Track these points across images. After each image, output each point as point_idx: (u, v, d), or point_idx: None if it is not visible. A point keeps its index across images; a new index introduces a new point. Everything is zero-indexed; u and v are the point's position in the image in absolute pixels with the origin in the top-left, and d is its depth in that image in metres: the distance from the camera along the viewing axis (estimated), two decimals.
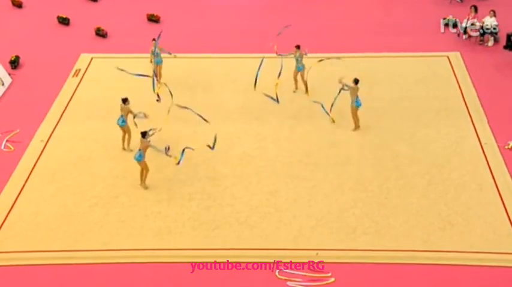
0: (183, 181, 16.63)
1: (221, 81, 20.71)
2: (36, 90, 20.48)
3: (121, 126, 17.50)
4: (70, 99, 19.98)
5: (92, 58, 22.11)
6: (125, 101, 17.28)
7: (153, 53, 19.60)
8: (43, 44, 23.04)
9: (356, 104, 17.77)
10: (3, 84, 20.51)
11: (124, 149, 17.68)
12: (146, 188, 16.38)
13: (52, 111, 19.40)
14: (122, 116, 17.38)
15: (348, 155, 17.37)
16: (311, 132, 18.28)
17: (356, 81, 17.59)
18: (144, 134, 15.98)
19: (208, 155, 17.43)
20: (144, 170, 16.30)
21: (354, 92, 17.66)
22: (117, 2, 25.90)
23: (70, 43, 23.06)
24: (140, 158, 16.06)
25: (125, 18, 24.54)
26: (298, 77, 19.75)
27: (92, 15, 24.81)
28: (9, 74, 21.05)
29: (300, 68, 19.49)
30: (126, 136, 17.66)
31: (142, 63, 20.82)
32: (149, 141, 16.04)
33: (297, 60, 19.39)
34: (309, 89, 19.64)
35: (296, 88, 19.86)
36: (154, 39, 19.60)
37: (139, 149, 16.07)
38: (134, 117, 17.28)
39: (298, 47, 19.24)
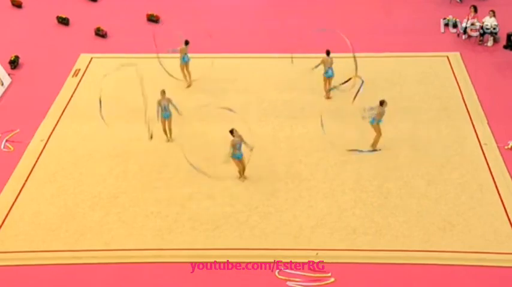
0: (183, 180, 16.64)
1: (221, 81, 20.70)
2: (36, 90, 20.48)
3: (166, 119, 17.77)
4: (70, 99, 19.98)
5: (91, 58, 22.11)
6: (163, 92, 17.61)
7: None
8: (43, 44, 23.03)
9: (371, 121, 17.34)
10: (2, 85, 20.50)
11: (168, 140, 18.02)
12: (245, 179, 16.59)
13: (52, 111, 19.41)
14: (165, 108, 17.58)
15: (348, 155, 17.36)
16: (311, 132, 18.28)
17: (381, 102, 17.05)
18: (231, 132, 16.11)
19: (209, 155, 17.45)
20: (244, 166, 16.48)
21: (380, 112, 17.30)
22: (116, 2, 25.90)
23: (70, 43, 23.05)
24: (241, 156, 16.17)
25: (124, 18, 24.54)
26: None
27: (91, 15, 24.81)
28: (9, 74, 21.04)
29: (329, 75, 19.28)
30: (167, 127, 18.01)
31: (143, 63, 20.81)
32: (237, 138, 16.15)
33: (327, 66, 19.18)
34: (310, 88, 19.60)
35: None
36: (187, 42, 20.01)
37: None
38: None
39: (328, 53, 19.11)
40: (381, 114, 17.03)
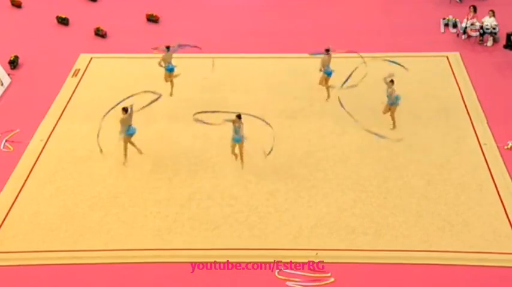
0: (182, 181, 16.64)
1: (221, 81, 20.70)
2: (36, 90, 20.47)
3: (131, 135, 16.97)
4: (69, 99, 19.98)
5: (91, 58, 22.10)
6: (126, 110, 16.69)
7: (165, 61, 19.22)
8: (42, 44, 23.03)
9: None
10: (2, 85, 20.50)
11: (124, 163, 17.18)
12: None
13: (51, 111, 19.39)
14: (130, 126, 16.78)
15: (347, 155, 17.38)
16: (311, 132, 18.29)
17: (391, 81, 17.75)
18: (239, 117, 16.39)
19: (208, 155, 17.47)
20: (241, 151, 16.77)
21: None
22: (116, 2, 25.89)
23: (69, 43, 23.05)
24: (237, 140, 16.52)
25: (124, 18, 24.54)
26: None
27: (91, 15, 24.81)
28: (9, 74, 21.02)
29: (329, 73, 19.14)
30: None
31: (142, 63, 20.81)
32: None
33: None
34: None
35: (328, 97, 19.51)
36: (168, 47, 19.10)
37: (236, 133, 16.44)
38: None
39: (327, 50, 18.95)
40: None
